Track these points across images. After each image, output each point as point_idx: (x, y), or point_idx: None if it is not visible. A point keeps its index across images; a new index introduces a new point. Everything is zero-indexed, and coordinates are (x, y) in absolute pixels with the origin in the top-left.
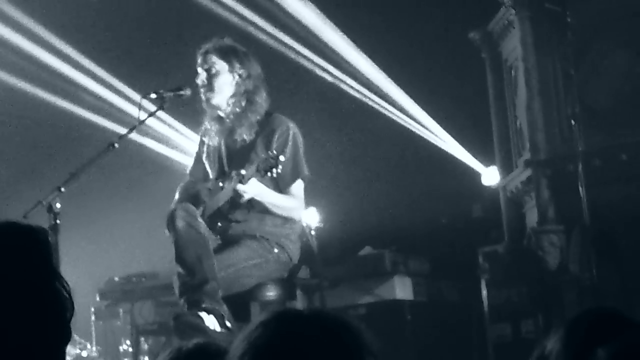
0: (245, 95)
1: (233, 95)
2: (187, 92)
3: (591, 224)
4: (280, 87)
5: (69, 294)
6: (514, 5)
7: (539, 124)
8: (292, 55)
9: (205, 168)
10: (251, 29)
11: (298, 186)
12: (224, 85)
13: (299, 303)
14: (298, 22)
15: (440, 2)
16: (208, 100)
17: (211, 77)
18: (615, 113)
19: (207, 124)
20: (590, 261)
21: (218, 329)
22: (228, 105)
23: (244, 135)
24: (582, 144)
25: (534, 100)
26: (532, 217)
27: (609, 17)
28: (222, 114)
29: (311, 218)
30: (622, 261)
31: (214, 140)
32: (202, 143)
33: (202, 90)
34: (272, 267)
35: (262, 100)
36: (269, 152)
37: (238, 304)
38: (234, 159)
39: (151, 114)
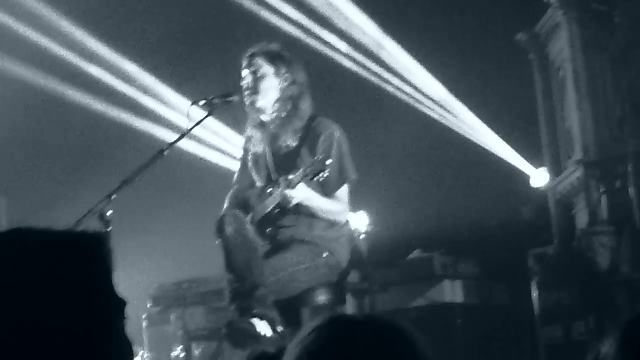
0: (291, 100)
1: (278, 100)
2: (236, 97)
3: None
4: (327, 89)
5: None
6: (561, 6)
7: (589, 124)
8: (343, 61)
9: (251, 175)
10: (299, 32)
11: (344, 190)
12: (269, 88)
13: (349, 307)
14: (351, 26)
15: (487, 3)
16: (252, 103)
17: (256, 79)
18: None
19: (250, 131)
20: None
21: (269, 334)
22: (273, 109)
23: (289, 141)
24: (632, 143)
25: (583, 100)
26: (581, 219)
27: None
28: (265, 119)
29: (360, 221)
30: None
31: (258, 147)
32: (246, 151)
33: (246, 92)
34: (321, 271)
35: (307, 106)
36: (315, 156)
37: (288, 309)
38: (280, 165)
39: (200, 121)
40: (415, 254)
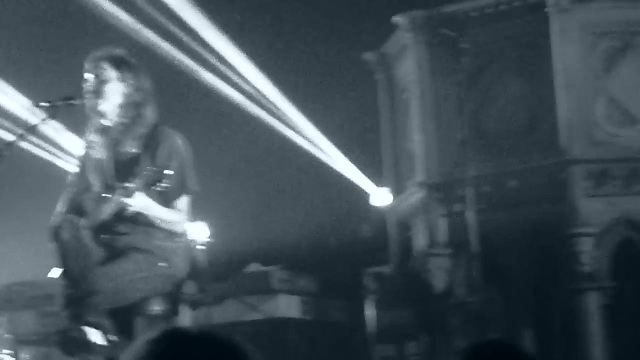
0: (134, 107)
1: (121, 106)
2: (79, 101)
3: (478, 247)
4: (172, 99)
5: None
6: (409, 28)
7: (431, 147)
8: (189, 71)
9: (88, 180)
10: (144, 39)
11: (184, 200)
12: (113, 93)
13: (184, 318)
14: (194, 36)
15: (336, 22)
16: (94, 107)
17: (100, 83)
18: (506, 139)
19: (91, 136)
20: (476, 285)
21: (101, 343)
22: (115, 115)
23: (130, 148)
24: (473, 168)
25: (427, 123)
26: (420, 240)
27: (502, 45)
28: (107, 124)
29: (200, 232)
30: (507, 286)
31: (98, 152)
32: (85, 155)
33: (88, 96)
34: (157, 281)
35: (151, 114)
36: (155, 165)
37: (122, 318)
38: (119, 171)
39: (40, 123)
40: (253, 267)
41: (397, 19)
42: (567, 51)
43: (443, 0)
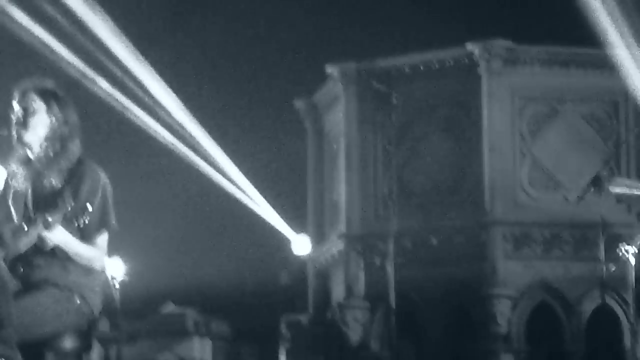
0: (60, 140)
1: (47, 138)
2: (4, 131)
3: (396, 303)
4: (98, 134)
5: None
6: (341, 80)
7: (356, 199)
8: (116, 105)
9: (9, 210)
10: (73, 72)
11: (104, 237)
12: (39, 125)
13: (96, 355)
14: (125, 72)
15: (268, 68)
16: (20, 137)
17: (27, 114)
18: (430, 196)
19: (15, 166)
20: (392, 340)
21: None
22: (40, 147)
23: (53, 181)
24: (395, 223)
25: (353, 175)
26: (338, 291)
27: (432, 103)
28: (31, 156)
29: (117, 269)
30: (422, 343)
31: (21, 183)
32: (7, 185)
33: (15, 127)
34: (72, 317)
35: (76, 148)
36: (77, 200)
37: (33, 352)
38: (40, 204)
39: None
40: (169, 307)
41: (330, 69)
42: (496, 113)
43: (377, 54)
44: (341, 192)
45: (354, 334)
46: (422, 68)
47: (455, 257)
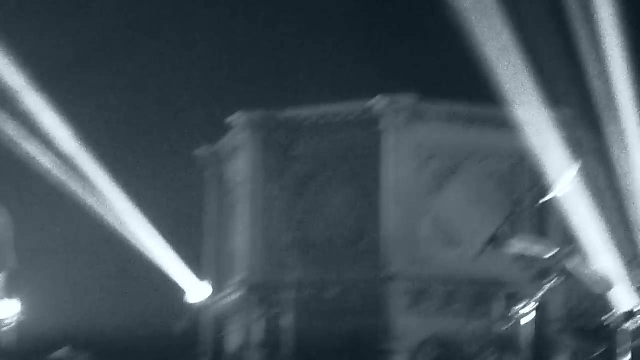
0: None
1: None
2: None
3: (293, 352)
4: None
5: None
6: (244, 129)
7: (256, 248)
8: (16, 145)
9: None
10: None
11: (0, 277)
12: None
13: None
14: (27, 113)
15: (170, 116)
16: None
17: None
18: (330, 248)
19: None
20: None
21: None
22: None
23: None
24: (295, 274)
25: (254, 224)
26: (234, 340)
27: (334, 155)
28: None
29: (10, 310)
30: None
31: None
32: None
33: None
34: None
35: None
36: None
37: None
38: None
39: None
40: (63, 352)
41: (232, 118)
42: (398, 168)
43: (280, 105)
44: (241, 240)
45: None
46: (326, 120)
47: (353, 309)
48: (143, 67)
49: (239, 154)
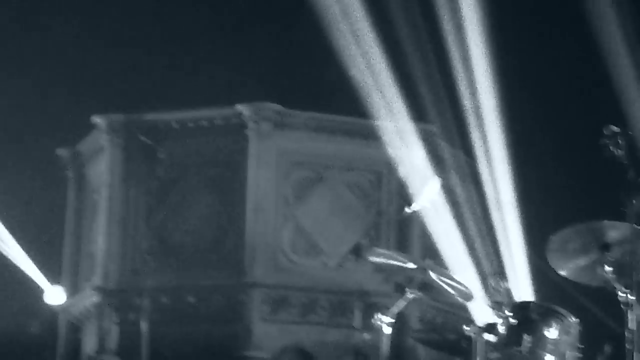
0: None
1: None
2: None
3: None
4: None
5: None
6: (107, 130)
7: (114, 252)
8: None
9: None
10: None
11: None
12: None
13: None
14: None
15: (32, 115)
16: None
17: None
18: (190, 254)
19: None
20: None
21: None
22: None
23: None
24: (153, 279)
25: (113, 228)
26: (90, 344)
27: (199, 161)
28: None
29: None
30: None
31: None
32: None
33: None
34: None
35: None
36: None
37: None
38: None
39: None
40: None
41: (96, 119)
42: (262, 175)
43: (145, 108)
44: (99, 244)
45: None
46: (190, 125)
47: (212, 317)
48: (6, 68)
49: (101, 155)
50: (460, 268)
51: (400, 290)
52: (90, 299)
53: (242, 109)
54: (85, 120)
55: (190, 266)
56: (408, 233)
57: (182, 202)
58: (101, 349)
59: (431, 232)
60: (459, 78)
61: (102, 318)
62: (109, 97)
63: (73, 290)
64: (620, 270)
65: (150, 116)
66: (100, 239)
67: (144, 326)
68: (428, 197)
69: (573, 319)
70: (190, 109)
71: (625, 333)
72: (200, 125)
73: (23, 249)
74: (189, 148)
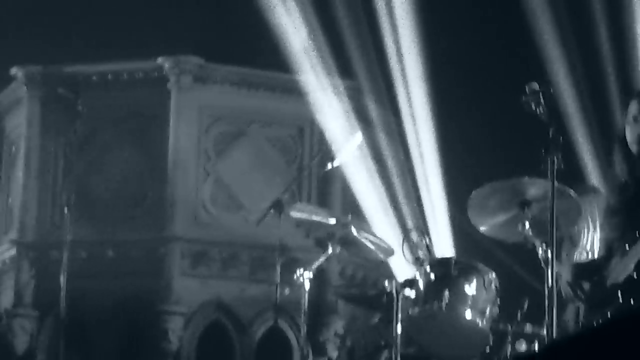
0: None
1: None
2: None
3: (66, 314)
4: None
5: None
6: (25, 82)
7: (32, 205)
8: None
9: None
10: None
11: None
12: None
13: None
14: None
15: None
16: None
17: None
18: (110, 208)
19: None
20: (59, 352)
21: None
22: None
23: None
24: (71, 233)
25: (31, 181)
26: (7, 299)
27: (120, 114)
28: None
29: None
30: (91, 357)
31: None
32: None
33: None
34: None
35: None
36: None
37: None
38: None
39: None
40: None
41: (14, 70)
42: (183, 130)
43: (65, 60)
44: (17, 197)
45: (21, 343)
46: (111, 77)
47: (131, 271)
48: None
49: (19, 107)
50: (382, 224)
51: (321, 245)
52: (7, 252)
53: (163, 61)
54: (3, 72)
55: (110, 220)
56: (330, 188)
57: (102, 155)
58: (18, 302)
59: (353, 187)
60: (385, 35)
61: (18, 272)
62: (28, 49)
63: None
64: (539, 227)
65: (70, 68)
66: (18, 192)
67: (61, 280)
68: (349, 152)
69: (493, 275)
70: (110, 62)
71: (544, 289)
72: (120, 79)
73: None
74: (109, 101)
